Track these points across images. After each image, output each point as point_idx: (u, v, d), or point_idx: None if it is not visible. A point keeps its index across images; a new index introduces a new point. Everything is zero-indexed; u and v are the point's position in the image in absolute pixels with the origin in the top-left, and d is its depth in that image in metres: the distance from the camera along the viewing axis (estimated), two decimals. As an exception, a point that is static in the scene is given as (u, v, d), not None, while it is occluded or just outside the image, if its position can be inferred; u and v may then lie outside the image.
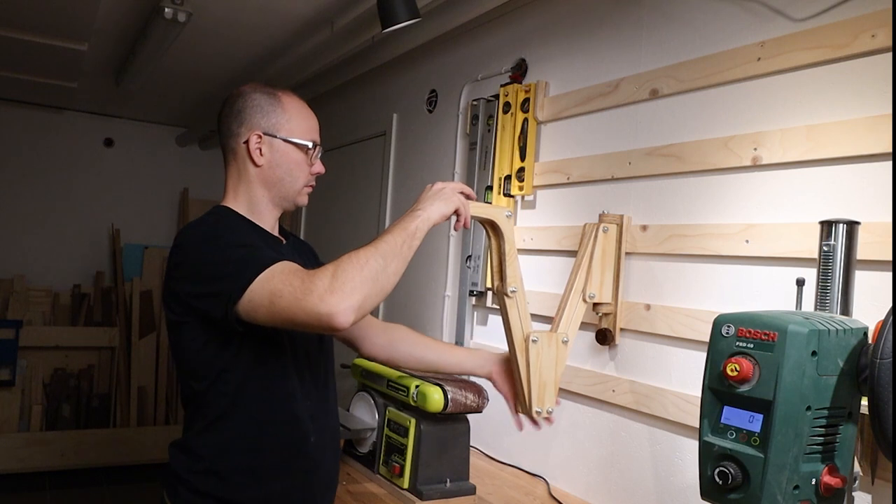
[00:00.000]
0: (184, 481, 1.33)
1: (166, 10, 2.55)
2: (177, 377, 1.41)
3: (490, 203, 1.43)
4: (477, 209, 1.41)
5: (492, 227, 1.47)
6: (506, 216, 1.46)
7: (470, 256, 2.44)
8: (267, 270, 1.17)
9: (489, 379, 1.61)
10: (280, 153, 1.39)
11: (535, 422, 1.54)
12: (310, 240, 4.08)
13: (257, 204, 1.41)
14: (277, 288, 1.15)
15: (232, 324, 1.21)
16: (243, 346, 1.29)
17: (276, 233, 1.47)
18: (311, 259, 1.59)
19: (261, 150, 1.38)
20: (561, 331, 1.64)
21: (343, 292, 1.12)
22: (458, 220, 1.36)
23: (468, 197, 1.38)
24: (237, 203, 1.42)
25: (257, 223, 1.41)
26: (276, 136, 1.38)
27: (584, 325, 1.99)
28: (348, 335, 1.59)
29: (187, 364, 1.34)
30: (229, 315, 1.19)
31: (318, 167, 1.45)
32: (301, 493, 1.39)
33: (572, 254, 2.03)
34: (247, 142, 1.38)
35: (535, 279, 2.20)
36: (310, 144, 1.42)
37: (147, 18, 2.87)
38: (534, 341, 1.53)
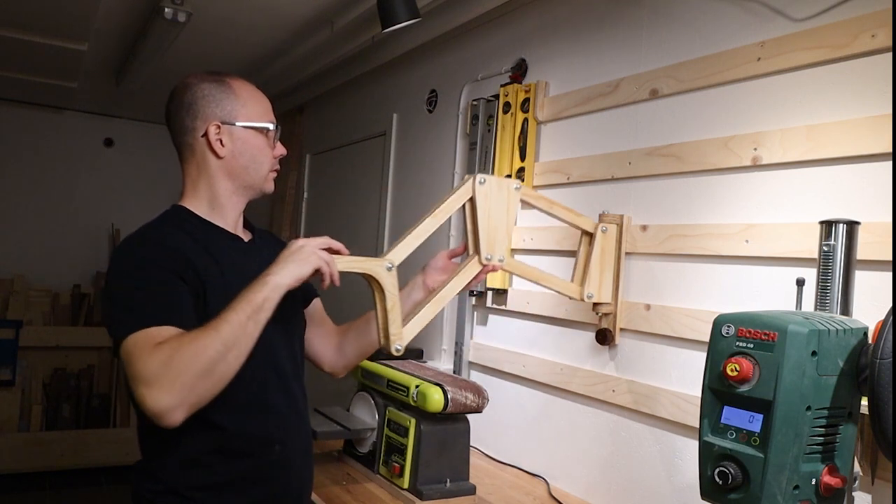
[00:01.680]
0: (147, 502, 1.28)
1: (166, 10, 2.55)
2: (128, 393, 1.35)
3: (366, 257, 1.36)
4: (350, 264, 1.30)
5: (373, 281, 1.36)
6: (386, 269, 1.36)
7: (470, 256, 2.44)
8: (137, 333, 1.13)
9: (426, 285, 1.54)
10: (241, 141, 1.33)
11: (485, 268, 1.50)
12: (310, 240, 4.09)
13: (220, 198, 1.35)
14: (131, 354, 1.11)
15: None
16: None
17: (239, 229, 1.41)
18: None
19: (221, 140, 1.32)
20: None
21: (173, 390, 1.07)
22: (322, 280, 1.25)
23: (336, 252, 1.28)
24: (197, 201, 1.36)
25: (217, 222, 1.36)
26: (234, 124, 1.33)
27: (584, 325, 2.00)
28: (310, 357, 1.54)
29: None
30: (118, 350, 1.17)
31: (280, 149, 1.40)
32: (271, 502, 1.34)
33: (572, 254, 2.03)
34: (205, 134, 1.32)
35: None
36: (270, 126, 1.37)
37: (147, 18, 2.87)
38: (481, 183, 1.47)
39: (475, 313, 2.48)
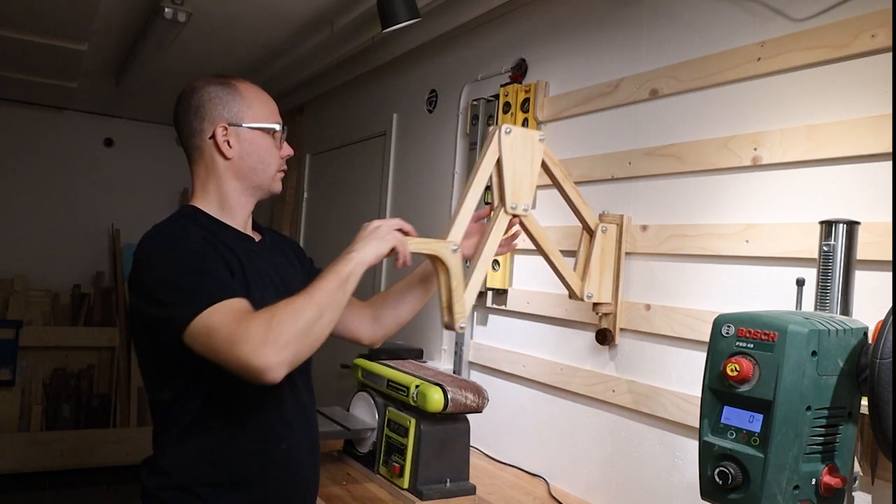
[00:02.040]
0: (155, 498, 1.30)
1: (166, 10, 2.55)
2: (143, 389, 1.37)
3: (431, 238, 1.43)
4: (419, 245, 1.38)
5: (439, 261, 1.44)
6: (451, 250, 1.44)
7: (470, 256, 2.44)
8: (211, 307, 1.14)
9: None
10: (248, 142, 1.35)
11: (512, 221, 1.55)
12: (310, 240, 4.10)
13: (229, 199, 1.37)
14: (216, 327, 1.13)
15: (174, 346, 1.18)
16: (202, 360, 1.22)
17: (248, 229, 1.43)
18: (296, 255, 1.55)
19: (228, 141, 1.34)
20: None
21: (276, 346, 1.11)
22: (397, 259, 1.33)
23: (406, 233, 1.35)
24: (207, 202, 1.37)
25: (228, 222, 1.37)
26: (241, 125, 1.34)
27: (584, 325, 2.00)
28: (345, 335, 1.57)
29: (152, 374, 1.30)
30: (174, 343, 1.18)
31: (287, 149, 1.42)
32: (278, 501, 1.35)
33: (572, 254, 2.03)
34: (213, 136, 1.34)
35: (536, 279, 2.20)
36: (277, 127, 1.39)
37: (147, 18, 2.87)
38: (507, 133, 1.53)
39: (475, 313, 2.48)
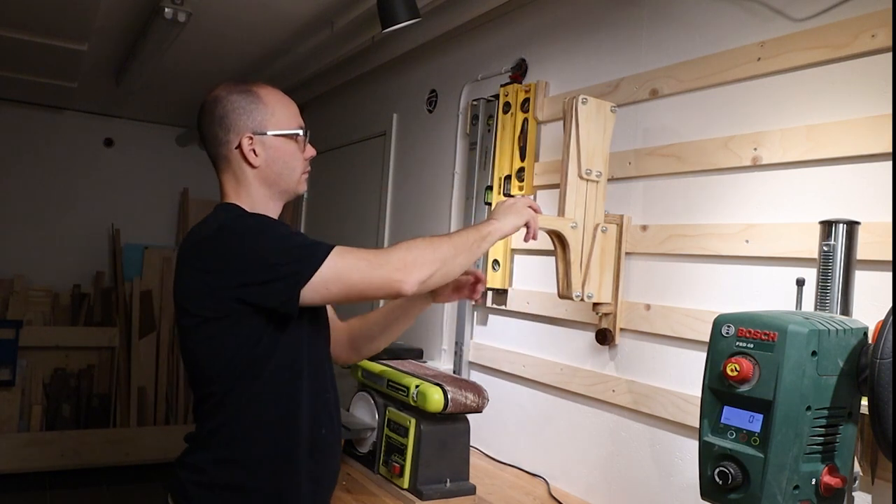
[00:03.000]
0: (197, 488, 1.33)
1: (166, 10, 2.55)
2: (188, 383, 1.39)
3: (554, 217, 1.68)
4: (545, 221, 1.59)
5: (558, 237, 1.68)
6: (570, 227, 1.68)
7: (470, 256, 2.44)
8: (332, 254, 1.25)
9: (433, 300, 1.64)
10: (274, 149, 1.39)
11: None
12: (310, 240, 4.09)
13: (258, 205, 1.40)
14: (348, 264, 1.25)
15: (288, 308, 1.25)
16: (271, 347, 1.31)
17: None
18: None
19: (254, 150, 1.38)
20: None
21: (415, 265, 1.27)
22: (527, 232, 1.50)
23: (536, 211, 1.51)
24: (239, 203, 1.40)
25: None
26: (265, 133, 1.38)
27: (584, 325, 2.00)
28: None
29: (206, 367, 1.33)
30: (289, 302, 1.24)
31: (311, 150, 1.47)
32: (314, 484, 1.41)
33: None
34: (239, 146, 1.37)
35: (535, 279, 2.20)
36: (300, 132, 1.43)
37: (147, 18, 2.87)
38: (584, 102, 1.73)
39: (475, 313, 2.48)
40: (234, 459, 1.33)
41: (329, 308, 1.63)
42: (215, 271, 1.27)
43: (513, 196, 1.56)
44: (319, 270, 1.23)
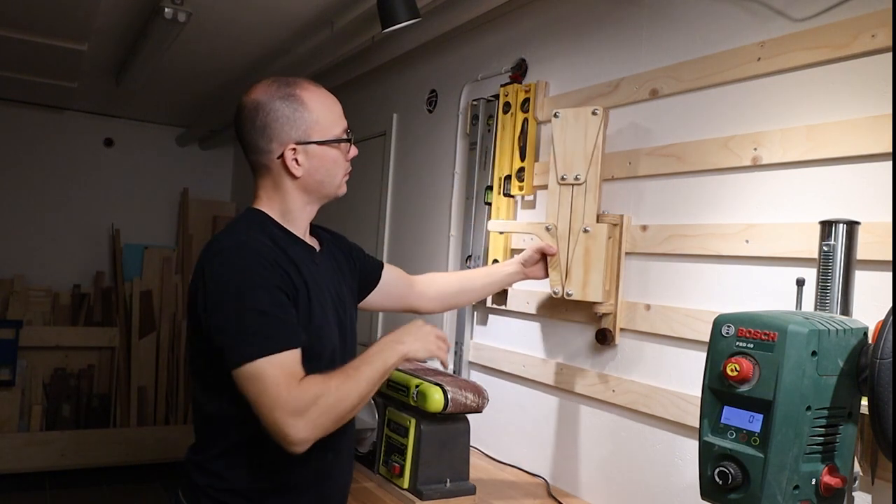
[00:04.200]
0: (206, 494, 1.32)
1: (166, 10, 2.55)
2: (193, 396, 1.36)
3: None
4: (523, 227, 1.97)
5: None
6: (545, 229, 1.89)
7: (470, 256, 2.44)
8: (268, 358, 1.16)
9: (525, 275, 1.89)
10: (318, 157, 1.33)
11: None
12: (310, 240, 4.09)
13: (293, 211, 1.37)
14: (266, 381, 1.16)
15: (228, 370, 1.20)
16: None
17: (308, 236, 1.43)
18: (344, 256, 1.55)
19: (297, 160, 1.31)
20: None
21: (315, 427, 1.17)
22: (442, 363, 1.54)
23: (445, 342, 1.52)
24: (271, 209, 1.37)
25: (290, 229, 1.37)
26: (310, 142, 1.32)
27: (584, 325, 1.99)
28: (405, 306, 1.78)
29: (215, 385, 1.29)
30: (229, 367, 1.19)
31: (353, 151, 1.40)
32: (325, 500, 1.40)
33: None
34: (281, 156, 1.31)
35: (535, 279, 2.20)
36: (345, 138, 1.37)
37: (147, 18, 2.87)
38: (556, 116, 1.87)
39: (475, 313, 2.48)
40: (236, 490, 1.31)
41: (402, 281, 1.75)
42: (201, 305, 1.25)
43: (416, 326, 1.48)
44: (242, 367, 1.17)
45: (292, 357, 1.20)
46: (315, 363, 1.26)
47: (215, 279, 1.23)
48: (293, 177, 1.33)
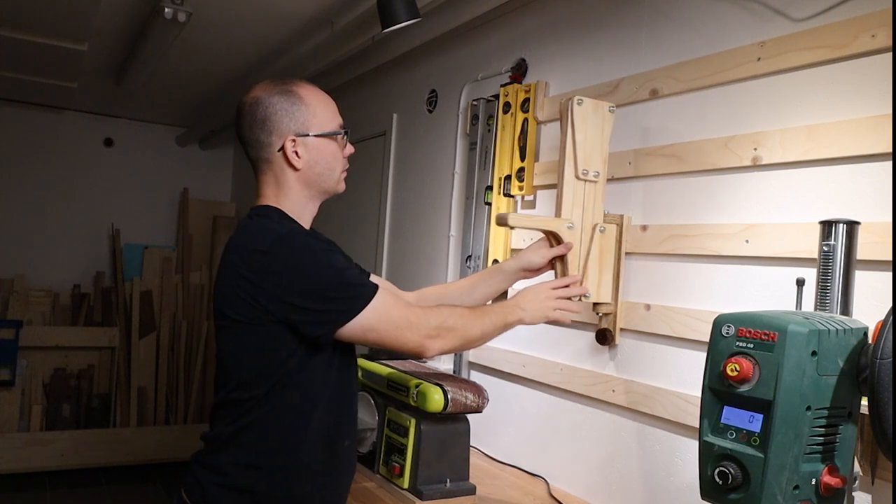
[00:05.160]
0: (219, 489, 1.34)
1: (166, 10, 2.55)
2: (217, 384, 1.40)
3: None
4: (540, 223, 1.71)
5: (554, 237, 1.71)
6: (567, 228, 1.70)
7: (470, 256, 2.44)
8: (375, 299, 1.29)
9: (528, 272, 1.75)
10: (316, 150, 1.39)
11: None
12: (310, 240, 4.09)
13: (298, 206, 1.41)
14: (390, 316, 1.32)
15: (324, 339, 1.29)
16: (303, 361, 1.32)
17: None
18: None
19: (297, 152, 1.37)
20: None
21: (446, 338, 1.37)
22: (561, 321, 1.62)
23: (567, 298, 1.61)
24: (281, 206, 1.41)
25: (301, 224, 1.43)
26: (308, 135, 1.38)
27: (584, 325, 1.99)
28: None
29: (237, 371, 1.33)
30: (326, 335, 1.28)
31: (350, 148, 1.46)
32: (332, 493, 1.43)
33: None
34: (282, 149, 1.37)
35: (535, 279, 2.20)
36: (342, 131, 1.43)
37: (147, 18, 2.87)
38: (579, 103, 1.72)
39: (475, 313, 2.48)
40: (258, 465, 1.33)
41: (386, 282, 1.74)
42: (265, 285, 1.27)
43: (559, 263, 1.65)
44: (362, 313, 1.28)
45: (388, 292, 1.35)
46: (350, 356, 1.42)
47: (284, 262, 1.28)
48: (294, 168, 1.39)
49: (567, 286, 1.62)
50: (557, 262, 1.72)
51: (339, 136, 1.42)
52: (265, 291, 1.27)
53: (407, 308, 1.36)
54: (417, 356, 1.38)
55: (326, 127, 1.40)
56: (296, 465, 1.34)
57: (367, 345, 1.36)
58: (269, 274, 1.27)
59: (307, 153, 1.38)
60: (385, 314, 1.31)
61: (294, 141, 1.37)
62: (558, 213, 1.72)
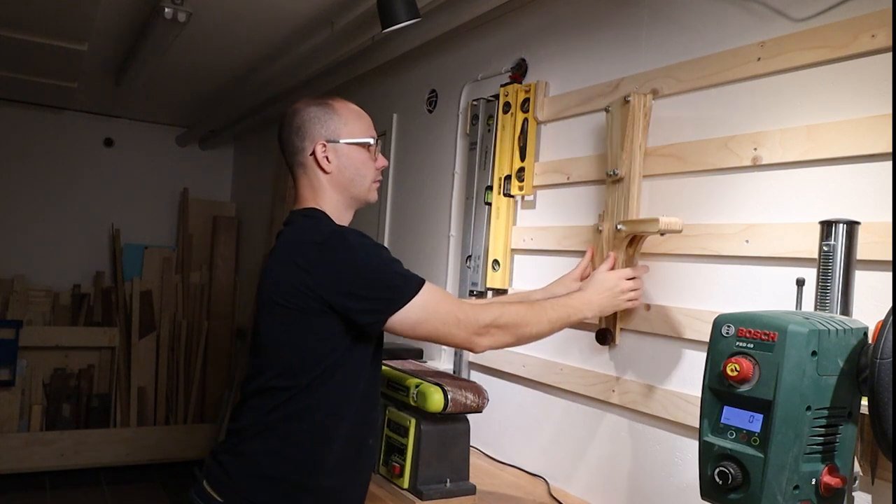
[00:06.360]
0: (248, 478, 1.38)
1: (166, 10, 2.55)
2: (253, 373, 1.45)
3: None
4: (635, 226, 1.68)
5: (635, 238, 1.72)
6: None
7: (470, 256, 2.44)
8: (423, 291, 1.36)
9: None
10: (345, 156, 1.50)
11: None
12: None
13: (336, 211, 1.49)
14: (441, 309, 1.37)
15: (369, 330, 1.35)
16: (345, 355, 1.38)
17: None
18: None
19: (327, 157, 1.48)
20: None
21: (493, 337, 1.42)
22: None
23: (636, 289, 1.67)
24: (323, 208, 1.49)
25: None
26: (338, 141, 1.49)
27: (584, 325, 1.99)
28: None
29: (277, 359, 1.39)
30: (376, 323, 1.35)
31: (382, 161, 1.56)
32: (359, 488, 1.50)
33: (572, 254, 2.03)
34: (313, 153, 1.48)
35: (535, 279, 2.20)
36: (371, 141, 1.53)
37: (147, 18, 2.87)
38: (627, 100, 1.75)
39: (475, 313, 2.48)
40: (292, 456, 1.38)
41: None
42: (319, 274, 1.34)
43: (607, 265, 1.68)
44: (412, 303, 1.34)
45: (436, 287, 1.41)
46: (379, 351, 1.48)
47: (339, 252, 1.36)
48: (324, 171, 1.49)
49: (635, 276, 1.68)
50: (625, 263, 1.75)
51: (370, 146, 1.52)
52: (319, 279, 1.33)
53: (455, 304, 1.41)
54: (466, 350, 1.45)
55: (357, 136, 1.51)
56: (327, 459, 1.39)
57: (418, 338, 1.41)
58: (323, 263, 1.35)
59: (337, 158, 1.49)
60: (433, 308, 1.37)
61: (324, 146, 1.48)
62: (636, 213, 1.75)
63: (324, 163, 1.48)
